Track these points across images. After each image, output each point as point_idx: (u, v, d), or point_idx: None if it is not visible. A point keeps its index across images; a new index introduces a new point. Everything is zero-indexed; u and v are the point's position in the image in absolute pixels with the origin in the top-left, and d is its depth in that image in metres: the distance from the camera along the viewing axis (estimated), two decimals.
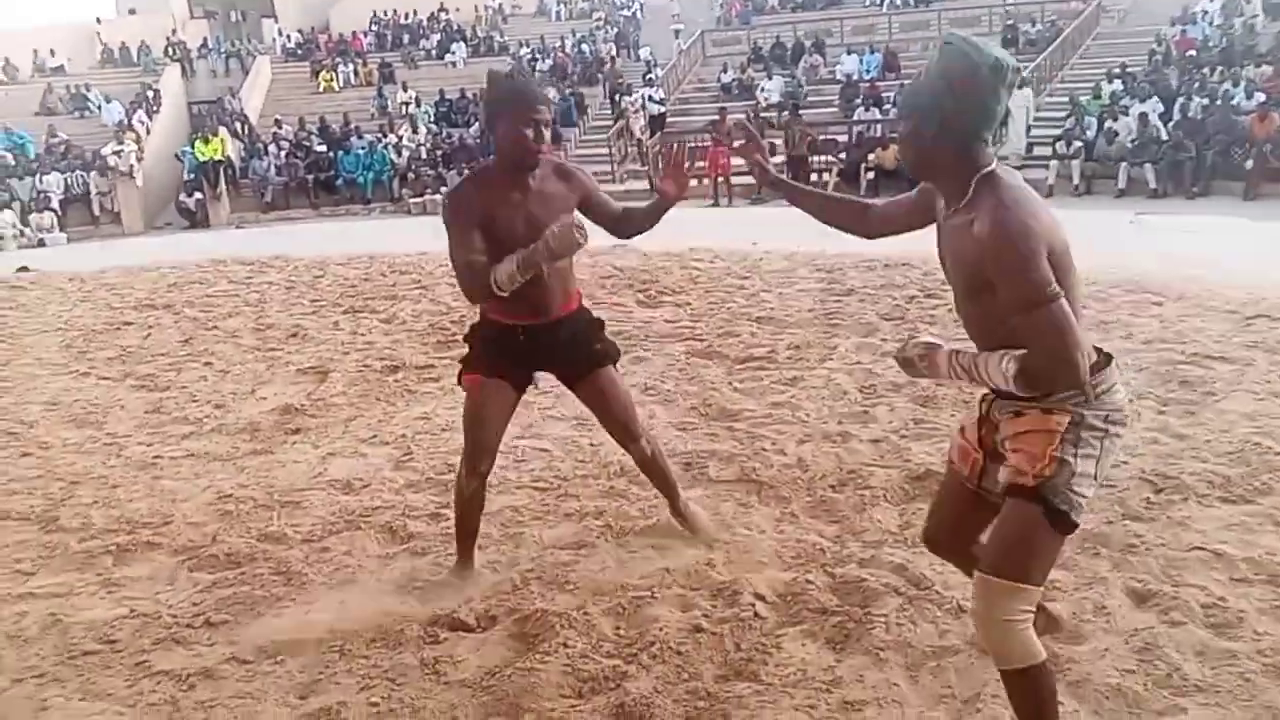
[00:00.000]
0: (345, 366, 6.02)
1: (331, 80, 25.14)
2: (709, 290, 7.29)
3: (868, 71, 19.93)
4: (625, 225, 3.23)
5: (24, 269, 11.01)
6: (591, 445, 4.44)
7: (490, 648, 2.92)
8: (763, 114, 17.35)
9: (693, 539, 3.44)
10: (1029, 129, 15.21)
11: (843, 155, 15.56)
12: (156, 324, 7.31)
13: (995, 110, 1.98)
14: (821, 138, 15.85)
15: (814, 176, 15.55)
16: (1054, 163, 14.25)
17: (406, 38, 29.90)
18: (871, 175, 14.93)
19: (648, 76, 20.39)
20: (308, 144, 18.60)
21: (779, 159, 15.76)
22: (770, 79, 19.79)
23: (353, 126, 19.28)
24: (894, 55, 20.15)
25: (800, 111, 16.62)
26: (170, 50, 27.02)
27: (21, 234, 16.09)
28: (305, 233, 13.46)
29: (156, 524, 3.94)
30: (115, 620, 3.20)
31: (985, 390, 2.18)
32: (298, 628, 3.09)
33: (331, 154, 18.26)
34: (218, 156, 17.56)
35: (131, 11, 33.07)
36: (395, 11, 31.39)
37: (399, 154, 18.04)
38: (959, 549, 2.39)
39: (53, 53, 27.28)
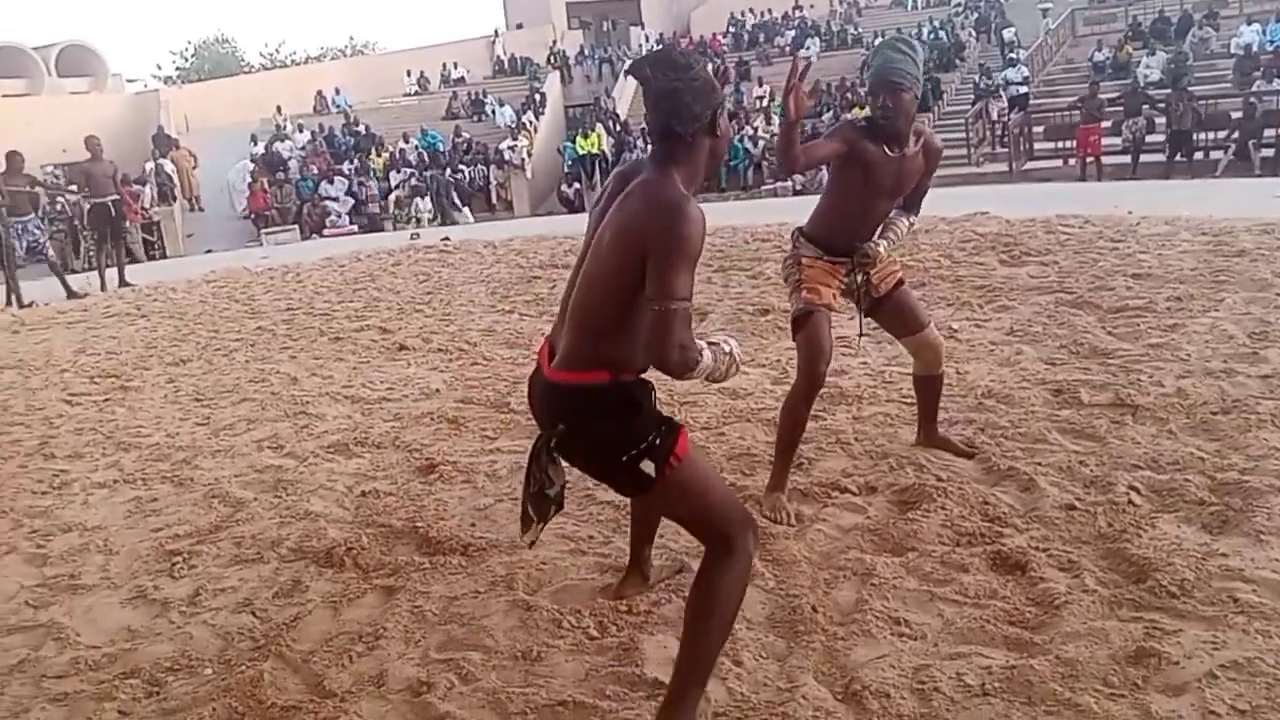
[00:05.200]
0: (721, 309, 6.69)
1: None
2: (1078, 251, 7.17)
3: (1271, 42, 17.88)
4: None
5: (415, 236, 13.38)
6: (958, 373, 4.72)
7: (874, 509, 3.35)
8: (1141, 90, 16.11)
9: (1064, 447, 3.66)
10: None
11: (1234, 134, 14.15)
12: (560, 279, 8.45)
13: None
14: (1208, 113, 14.51)
15: (1199, 155, 14.31)
16: None
17: (762, 36, 30.93)
18: (1270, 152, 13.47)
19: (1009, 57, 19.65)
20: None
21: (1159, 136, 14.68)
22: (1151, 55, 18.34)
23: None
24: None
25: (1187, 86, 15.31)
26: (551, 59, 30.02)
27: (435, 217, 18.78)
28: None
29: None
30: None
31: (840, 261, 3.47)
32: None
33: None
34: (594, 150, 19.40)
35: (519, 26, 37.00)
36: (752, 12, 32.57)
37: (754, 144, 18.87)
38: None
39: (455, 66, 31.33)
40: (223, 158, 23.16)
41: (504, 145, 20.26)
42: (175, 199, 19.39)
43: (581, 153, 19.51)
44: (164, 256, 17.99)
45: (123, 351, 7.40)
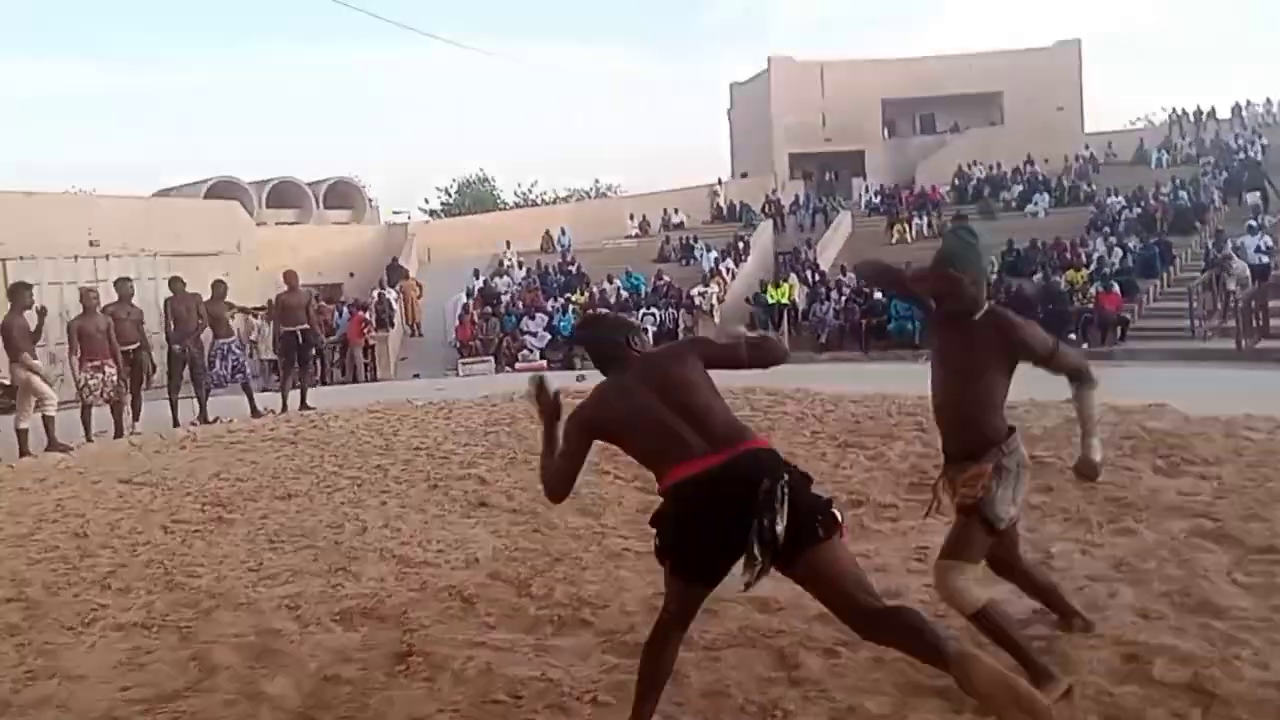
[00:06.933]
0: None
1: (905, 232, 26.14)
2: (1253, 464, 6.11)
3: None
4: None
5: (581, 378, 13.32)
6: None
7: None
8: None
9: None
10: None
11: None
12: None
13: None
14: None
15: None
16: None
17: (988, 190, 30.04)
18: None
19: (1250, 224, 17.90)
20: (866, 290, 19.52)
21: None
22: None
23: None
24: None
25: None
26: (766, 207, 30.51)
27: None
28: (857, 372, 13.98)
29: (597, 606, 4.42)
30: (529, 679, 3.65)
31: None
32: None
33: (886, 299, 18.89)
34: (784, 300, 19.24)
35: (744, 175, 38.05)
36: (980, 164, 31.80)
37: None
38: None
39: (676, 211, 32.45)
40: (451, 288, 24.89)
41: (695, 290, 20.52)
42: (392, 325, 20.88)
43: (771, 301, 19.38)
44: (374, 379, 19.32)
45: (250, 479, 7.79)
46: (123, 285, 10.67)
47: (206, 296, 11.44)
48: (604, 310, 3.61)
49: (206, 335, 11.52)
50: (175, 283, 10.97)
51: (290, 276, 11.75)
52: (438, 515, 6.34)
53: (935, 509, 3.51)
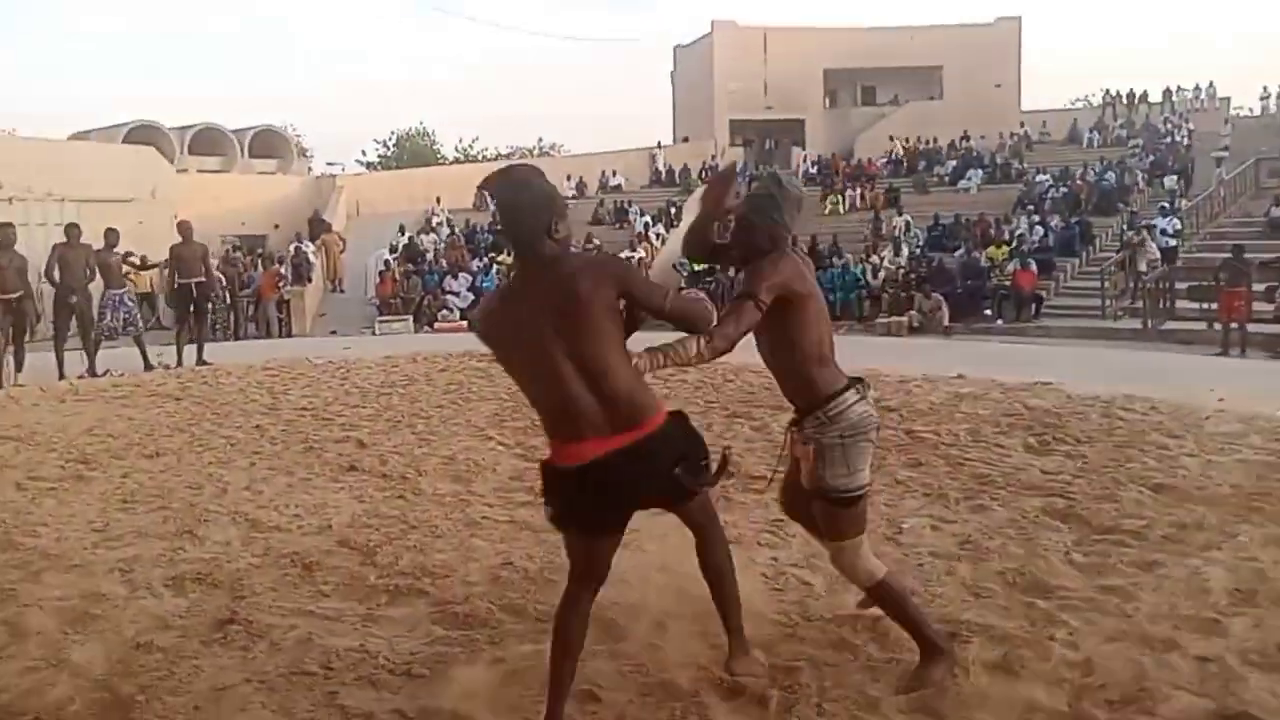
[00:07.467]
0: None
1: (839, 204, 26.21)
2: (1121, 445, 6.21)
3: None
4: None
5: None
6: (835, 590, 4.00)
7: None
8: None
9: None
10: None
11: None
12: None
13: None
14: None
15: None
16: None
17: (923, 164, 30.27)
18: None
19: (1162, 205, 18.27)
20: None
21: None
22: None
23: (836, 246, 19.88)
24: None
25: None
26: (703, 173, 30.35)
27: None
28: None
29: (439, 575, 4.33)
30: (346, 650, 3.55)
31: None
32: (465, 694, 3.19)
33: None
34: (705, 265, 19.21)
35: (685, 139, 37.80)
36: (919, 139, 31.97)
37: (875, 275, 18.17)
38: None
39: (614, 173, 32.17)
40: (377, 243, 24.38)
41: (622, 255, 20.38)
42: (309, 280, 20.41)
43: (698, 268, 19.28)
44: (289, 335, 18.88)
45: (122, 435, 7.53)
46: (4, 231, 10.20)
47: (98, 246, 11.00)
48: (532, 165, 2.84)
49: (98, 285, 11.10)
50: (71, 229, 10.54)
51: (184, 227, 11.35)
52: (305, 479, 6.18)
53: (782, 455, 3.52)
